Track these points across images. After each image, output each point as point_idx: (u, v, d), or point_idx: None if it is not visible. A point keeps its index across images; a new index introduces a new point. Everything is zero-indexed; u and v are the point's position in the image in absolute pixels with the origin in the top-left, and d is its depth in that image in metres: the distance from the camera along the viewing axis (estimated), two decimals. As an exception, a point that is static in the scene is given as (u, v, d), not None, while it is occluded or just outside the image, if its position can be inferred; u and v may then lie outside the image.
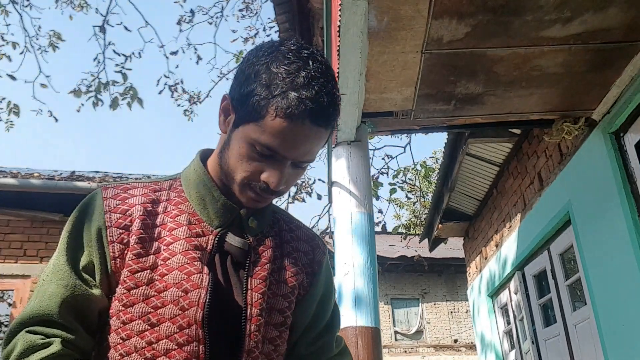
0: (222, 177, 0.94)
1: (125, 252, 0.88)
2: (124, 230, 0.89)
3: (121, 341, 0.86)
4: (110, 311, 0.88)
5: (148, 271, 0.87)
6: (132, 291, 0.86)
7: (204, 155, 1.00)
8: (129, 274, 0.87)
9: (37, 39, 7.49)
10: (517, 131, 5.01)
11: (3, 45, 7.17)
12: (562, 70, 3.12)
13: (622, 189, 3.49)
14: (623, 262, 3.51)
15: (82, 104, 7.03)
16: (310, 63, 0.84)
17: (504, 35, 2.80)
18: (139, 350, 0.84)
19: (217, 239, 0.92)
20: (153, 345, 0.84)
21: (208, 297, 0.87)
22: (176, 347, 0.84)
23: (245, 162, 0.88)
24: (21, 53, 7.22)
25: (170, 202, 0.94)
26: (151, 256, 0.88)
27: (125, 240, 0.89)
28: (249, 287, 0.91)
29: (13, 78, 6.97)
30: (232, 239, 0.94)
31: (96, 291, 0.87)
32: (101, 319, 0.90)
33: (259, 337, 0.90)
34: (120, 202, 0.92)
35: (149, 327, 0.85)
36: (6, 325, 5.85)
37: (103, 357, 0.87)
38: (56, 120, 7.45)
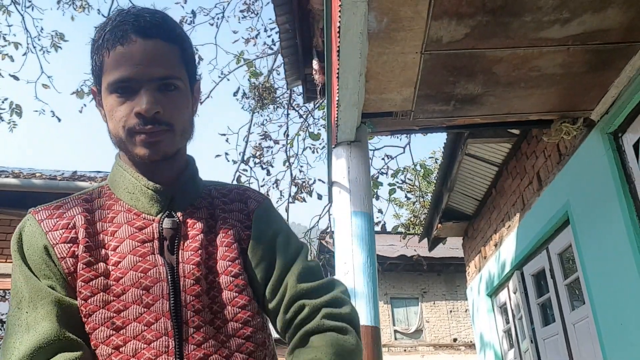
0: (134, 164, 0.94)
1: (74, 265, 0.87)
2: (72, 244, 0.88)
3: (93, 350, 0.84)
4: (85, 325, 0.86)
5: (102, 278, 0.86)
6: (89, 300, 0.85)
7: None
8: (82, 283, 0.85)
9: (39, 40, 7.50)
10: (516, 131, 5.03)
11: (5, 45, 7.20)
12: (560, 71, 3.14)
13: (620, 189, 3.51)
14: (621, 262, 3.53)
15: (85, 105, 7.03)
16: (126, 9, 0.91)
17: (503, 36, 2.82)
18: (106, 358, 0.83)
19: (161, 225, 0.91)
20: (120, 349, 0.83)
21: (170, 287, 0.86)
22: (145, 345, 0.83)
23: (116, 112, 0.88)
24: (24, 54, 7.25)
25: (104, 208, 0.93)
26: (101, 263, 0.87)
27: (76, 253, 0.87)
28: (180, 260, 0.90)
29: (16, 78, 6.99)
30: (165, 223, 0.93)
31: (74, 300, 0.86)
32: None
33: (197, 306, 0.87)
34: (58, 219, 0.90)
35: (114, 332, 0.84)
36: (7, 324, 5.86)
37: None
38: (59, 120, 7.46)
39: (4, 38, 7.22)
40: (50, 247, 0.87)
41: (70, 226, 0.89)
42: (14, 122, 6.96)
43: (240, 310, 0.91)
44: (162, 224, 0.91)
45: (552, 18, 2.72)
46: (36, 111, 7.49)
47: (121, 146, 0.92)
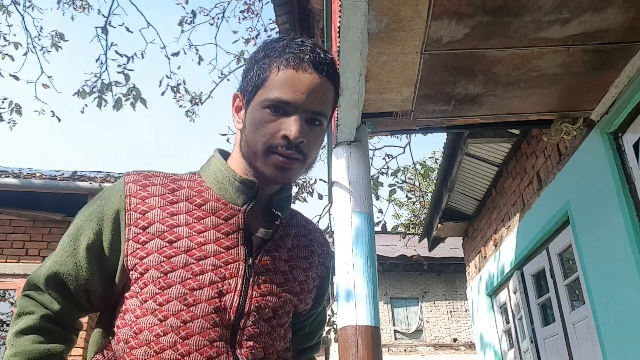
0: (245, 167, 0.97)
1: (140, 236, 0.91)
2: (141, 215, 0.92)
3: (158, 322, 0.88)
4: (143, 296, 0.90)
5: (184, 255, 0.90)
6: (169, 274, 0.89)
7: (222, 153, 1.04)
8: (164, 259, 0.90)
9: (39, 39, 7.52)
10: (515, 131, 5.03)
11: (5, 45, 7.20)
12: (560, 71, 3.14)
13: (620, 189, 3.51)
14: (621, 262, 3.53)
15: (86, 105, 7.01)
16: (300, 37, 0.95)
17: (503, 36, 2.82)
18: (175, 330, 0.88)
19: (245, 215, 0.95)
20: (188, 324, 0.88)
21: (243, 284, 0.92)
22: (211, 327, 0.89)
23: (262, 127, 0.91)
24: (24, 54, 7.25)
25: (192, 190, 0.97)
26: (184, 240, 0.91)
27: (140, 225, 0.92)
28: (258, 259, 0.96)
29: (16, 78, 6.99)
30: (260, 232, 0.97)
31: (87, 271, 0.93)
32: (118, 300, 0.95)
33: (260, 303, 0.94)
34: (140, 187, 0.95)
35: (185, 307, 0.88)
36: (8, 324, 5.88)
37: (133, 339, 0.89)
38: (59, 120, 7.46)
39: (4, 38, 7.22)
40: (122, 210, 0.93)
41: (147, 200, 0.94)
42: (14, 121, 6.96)
43: (286, 332, 1.01)
44: (246, 214, 0.95)
45: (552, 18, 2.72)
46: (36, 111, 7.50)
47: (250, 157, 0.94)
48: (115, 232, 0.93)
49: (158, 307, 0.89)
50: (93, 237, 0.93)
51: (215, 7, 7.84)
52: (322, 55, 0.92)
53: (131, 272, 0.91)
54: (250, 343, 0.92)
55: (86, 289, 0.94)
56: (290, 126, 0.89)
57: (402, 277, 15.68)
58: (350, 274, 2.91)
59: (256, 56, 0.95)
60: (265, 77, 0.92)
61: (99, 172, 6.64)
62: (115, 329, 0.93)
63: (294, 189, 7.31)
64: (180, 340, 0.87)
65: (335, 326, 7.15)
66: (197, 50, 7.86)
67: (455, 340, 15.46)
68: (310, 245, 1.07)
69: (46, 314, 0.91)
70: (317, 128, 0.94)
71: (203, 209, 0.95)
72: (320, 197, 7.57)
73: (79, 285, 0.93)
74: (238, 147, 0.98)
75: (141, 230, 0.92)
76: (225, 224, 0.94)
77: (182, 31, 7.89)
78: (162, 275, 0.89)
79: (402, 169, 7.64)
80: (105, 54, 6.90)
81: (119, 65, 6.94)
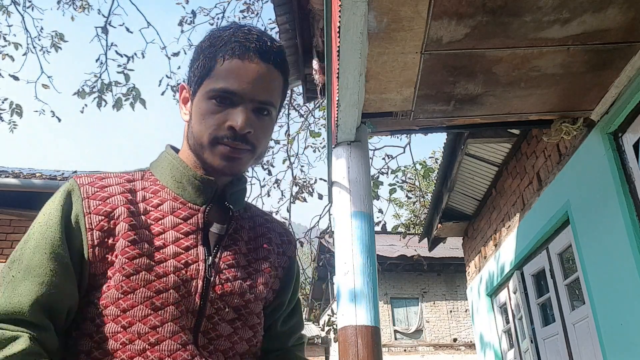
0: (194, 160, 0.95)
1: (106, 239, 0.86)
2: (104, 217, 0.87)
3: (122, 329, 0.83)
4: (103, 302, 0.84)
5: (145, 257, 0.86)
6: (132, 277, 0.84)
7: (173, 149, 1.02)
8: (126, 260, 0.85)
9: (39, 40, 7.51)
10: (515, 131, 5.03)
11: (5, 45, 7.19)
12: (560, 71, 3.14)
13: (620, 189, 3.51)
14: (621, 262, 3.53)
15: (86, 105, 7.01)
16: (247, 26, 0.93)
17: (503, 36, 2.82)
18: (143, 336, 0.83)
19: (205, 215, 0.93)
20: (157, 329, 0.84)
21: (204, 286, 0.89)
22: (180, 330, 0.85)
23: (208, 118, 0.89)
24: (24, 54, 7.25)
25: (147, 191, 0.93)
26: (144, 242, 0.87)
27: (105, 228, 0.86)
28: (218, 257, 0.93)
29: (16, 78, 6.98)
30: (214, 227, 0.95)
31: (70, 288, 0.85)
32: (82, 313, 0.87)
33: (220, 304, 0.90)
34: (98, 189, 0.90)
35: (152, 312, 0.84)
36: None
37: (97, 350, 0.83)
38: (59, 120, 7.45)
39: (4, 38, 7.22)
40: (81, 214, 0.87)
41: (108, 201, 0.89)
42: (14, 122, 6.96)
43: (259, 320, 0.97)
44: (206, 214, 0.93)
45: (552, 18, 2.72)
46: (36, 111, 7.49)
47: (197, 149, 0.92)
48: (78, 238, 0.86)
49: (121, 313, 0.83)
50: (66, 248, 0.85)
51: (215, 7, 7.82)
52: (268, 44, 0.91)
53: (99, 278, 0.86)
54: (211, 347, 0.89)
55: (70, 306, 0.85)
56: (237, 117, 0.87)
57: (402, 277, 15.69)
58: (350, 274, 2.91)
59: (202, 46, 0.93)
60: (211, 67, 0.90)
61: (99, 172, 6.64)
62: (71, 342, 0.86)
63: (294, 189, 7.31)
64: (149, 347, 0.83)
65: (335, 326, 7.15)
66: (197, 50, 7.82)
67: (455, 340, 15.47)
68: (267, 233, 1.04)
69: (34, 341, 0.78)
70: (265, 118, 0.92)
71: (160, 209, 0.91)
72: (320, 197, 7.56)
73: (66, 303, 0.84)
74: (186, 140, 0.95)
75: (105, 234, 0.86)
76: (184, 224, 0.91)
77: (182, 31, 7.88)
78: (124, 278, 0.84)
79: (402, 169, 7.63)
80: (105, 54, 6.90)
81: (119, 65, 6.94)
